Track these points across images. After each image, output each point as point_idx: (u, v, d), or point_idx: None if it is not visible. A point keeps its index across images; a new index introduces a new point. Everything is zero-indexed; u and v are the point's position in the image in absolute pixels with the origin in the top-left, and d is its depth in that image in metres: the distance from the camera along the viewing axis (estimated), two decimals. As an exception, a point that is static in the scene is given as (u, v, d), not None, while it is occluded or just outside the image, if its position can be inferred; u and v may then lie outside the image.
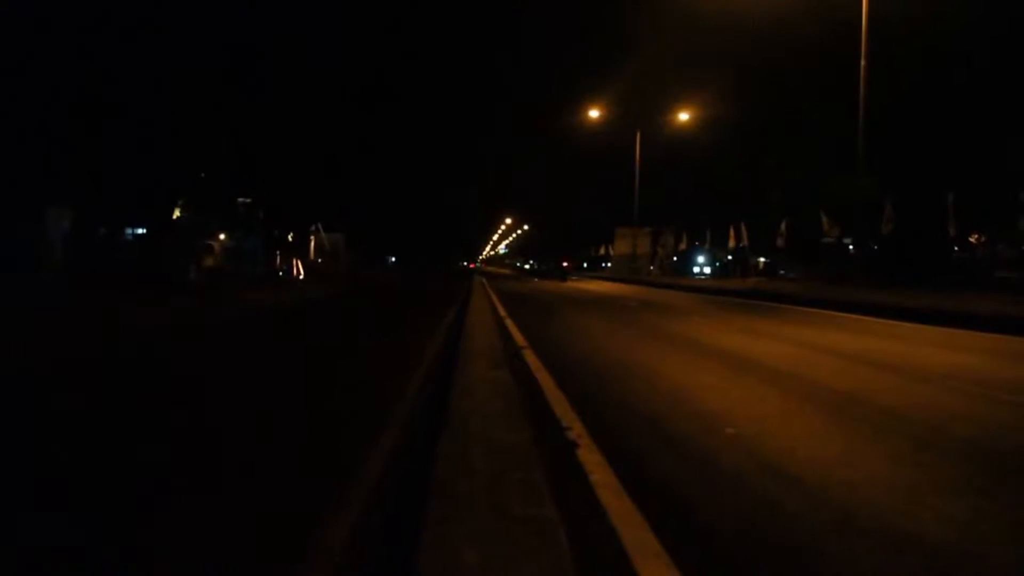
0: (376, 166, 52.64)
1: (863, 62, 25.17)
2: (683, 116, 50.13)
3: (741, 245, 51.02)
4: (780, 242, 45.85)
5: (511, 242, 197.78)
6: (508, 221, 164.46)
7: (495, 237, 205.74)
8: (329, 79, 36.85)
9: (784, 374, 8.52)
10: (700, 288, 33.06)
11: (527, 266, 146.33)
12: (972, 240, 39.10)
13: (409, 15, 76.03)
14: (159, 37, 24.54)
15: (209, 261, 30.58)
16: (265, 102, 30.95)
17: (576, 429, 5.61)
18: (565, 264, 58.22)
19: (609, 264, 74.13)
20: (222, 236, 34.31)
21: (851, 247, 37.75)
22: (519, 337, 12.14)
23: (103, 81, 23.05)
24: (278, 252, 39.46)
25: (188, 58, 26.04)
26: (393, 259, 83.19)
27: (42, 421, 5.69)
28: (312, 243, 46.90)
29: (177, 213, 32.26)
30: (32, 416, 5.86)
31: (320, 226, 46.98)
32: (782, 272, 49.36)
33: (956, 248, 38.87)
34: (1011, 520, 3.82)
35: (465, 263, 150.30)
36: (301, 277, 37.71)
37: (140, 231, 31.40)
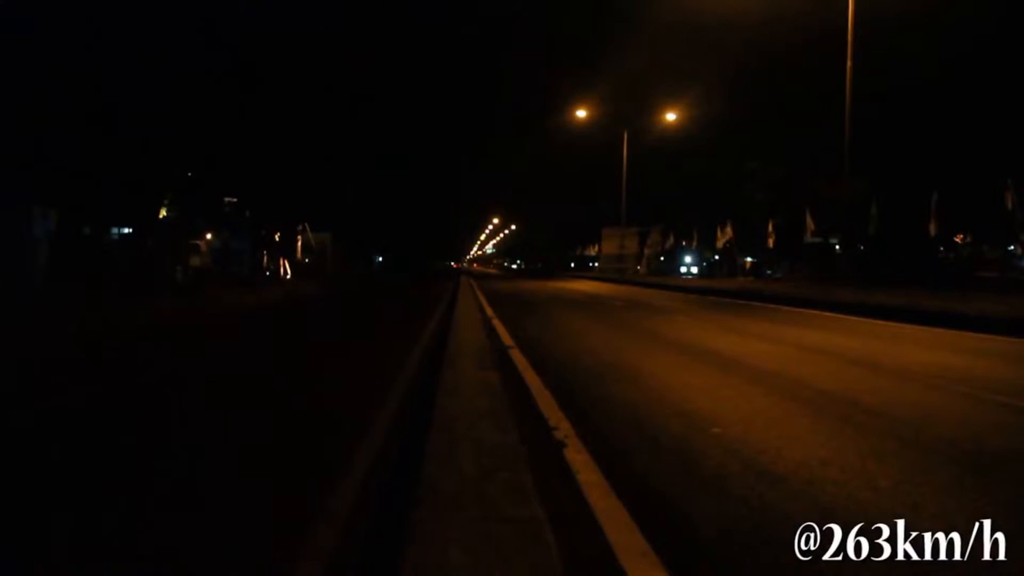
0: (363, 166, 52.43)
1: (848, 63, 25.30)
2: (670, 116, 50.28)
3: (728, 245, 51.16)
4: (768, 242, 46.04)
5: (498, 242, 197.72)
6: (495, 221, 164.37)
7: (482, 237, 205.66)
8: (319, 79, 36.65)
9: (769, 373, 8.56)
10: (686, 288, 33.12)
11: (514, 266, 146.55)
12: (957, 240, 39.45)
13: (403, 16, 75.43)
14: (148, 37, 24.36)
15: (196, 261, 30.41)
16: (253, 102, 30.77)
17: (563, 429, 5.63)
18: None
19: (596, 264, 74.25)
20: (209, 236, 34.14)
21: (837, 247, 37.99)
22: (506, 336, 12.16)
23: (91, 80, 22.87)
24: (265, 252, 39.25)
25: (178, 58, 25.86)
26: (380, 259, 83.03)
27: None
28: (299, 242, 46.66)
29: (163, 212, 32.03)
30: None
31: (307, 225, 46.76)
32: (768, 272, 49.57)
33: (941, 248, 39.20)
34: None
35: (451, 263, 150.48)
36: (288, 277, 37.58)
37: (126, 231, 31.14)
